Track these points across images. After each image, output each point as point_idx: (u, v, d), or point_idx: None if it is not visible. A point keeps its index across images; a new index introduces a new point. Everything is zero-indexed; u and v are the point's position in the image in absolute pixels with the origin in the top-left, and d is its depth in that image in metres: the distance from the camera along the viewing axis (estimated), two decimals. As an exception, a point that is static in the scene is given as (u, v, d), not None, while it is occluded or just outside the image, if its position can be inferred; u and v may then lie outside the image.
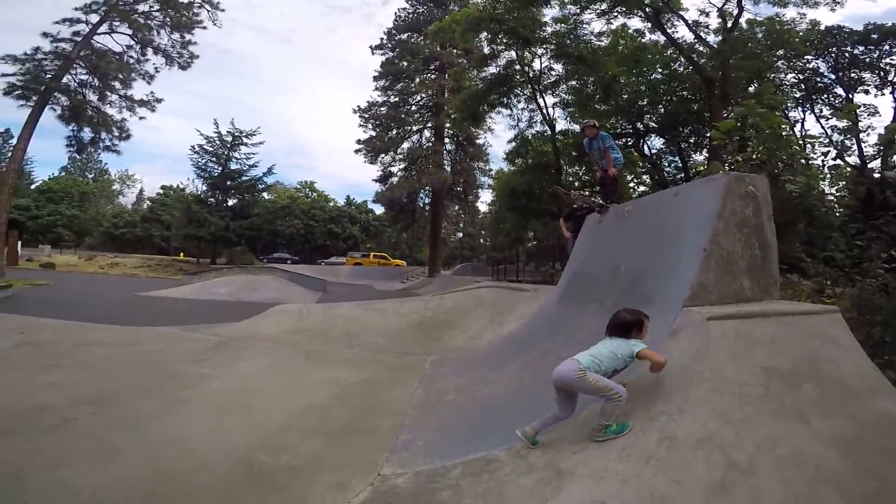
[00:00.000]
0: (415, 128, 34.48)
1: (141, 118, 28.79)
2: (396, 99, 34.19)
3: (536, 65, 21.07)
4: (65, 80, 25.62)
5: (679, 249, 3.49)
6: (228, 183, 40.18)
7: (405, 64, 33.20)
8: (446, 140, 34.70)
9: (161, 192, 53.21)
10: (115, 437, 3.34)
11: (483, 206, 43.99)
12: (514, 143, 24.70)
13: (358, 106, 34.28)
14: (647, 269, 3.87)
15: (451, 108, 23.58)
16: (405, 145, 34.29)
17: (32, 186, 47.37)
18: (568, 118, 22.67)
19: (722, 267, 3.18)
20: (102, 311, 10.69)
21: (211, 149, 39.87)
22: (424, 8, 34.16)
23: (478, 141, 34.70)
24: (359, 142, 33.81)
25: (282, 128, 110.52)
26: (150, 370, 5.48)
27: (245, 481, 2.85)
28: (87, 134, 27.45)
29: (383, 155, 34.00)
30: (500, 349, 5.44)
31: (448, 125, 32.54)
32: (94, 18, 25.81)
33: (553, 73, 21.37)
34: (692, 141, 22.50)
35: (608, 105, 21.17)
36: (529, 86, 21.22)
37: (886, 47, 23.88)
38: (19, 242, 28.87)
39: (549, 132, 21.95)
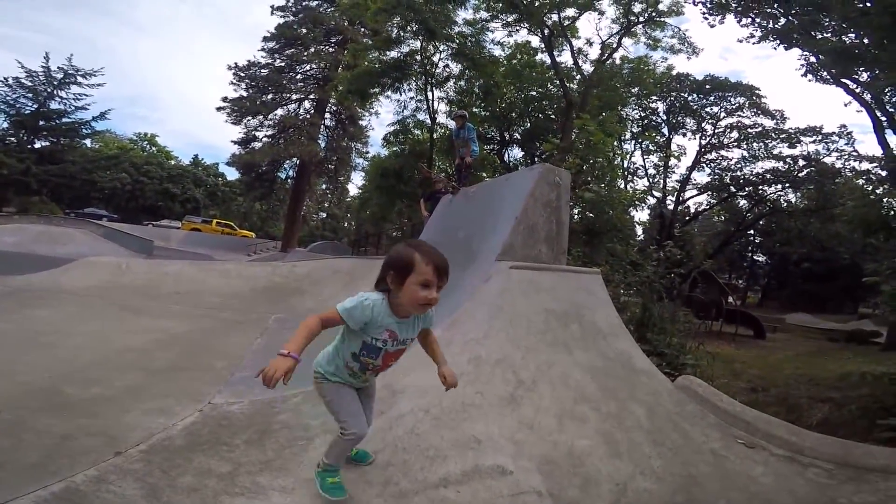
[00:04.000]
0: (294, 96, 32.47)
1: None
2: (283, 64, 31.93)
3: (436, 59, 21.93)
4: None
5: (500, 219, 4.31)
6: (41, 123, 32.85)
7: (304, 31, 31.12)
8: (327, 115, 33.49)
9: None
10: None
11: (353, 188, 43.30)
12: (395, 127, 25.23)
13: (235, 63, 31.32)
14: (477, 234, 4.66)
15: (341, 82, 22.91)
16: (279, 112, 32.09)
17: None
18: (447, 115, 24.01)
19: (527, 233, 4.03)
20: None
21: (29, 83, 33.03)
22: (339, -20, 32.30)
23: (361, 122, 34.16)
24: (225, 99, 30.88)
25: (135, 74, 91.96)
26: None
27: (44, 409, 2.60)
28: None
29: (250, 117, 31.34)
30: None
31: (332, 100, 31.50)
32: None
33: (448, 70, 22.44)
34: (544, 156, 25.66)
35: (486, 111, 23.04)
36: (423, 77, 21.89)
37: (712, 98, 30.10)
38: None
39: (430, 123, 22.98)
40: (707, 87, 29.59)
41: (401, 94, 23.46)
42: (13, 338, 3.93)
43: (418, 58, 21.44)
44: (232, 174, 45.37)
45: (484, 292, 3.39)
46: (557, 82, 22.24)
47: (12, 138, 32.72)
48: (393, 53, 21.70)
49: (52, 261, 9.83)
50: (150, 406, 2.77)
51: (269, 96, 31.73)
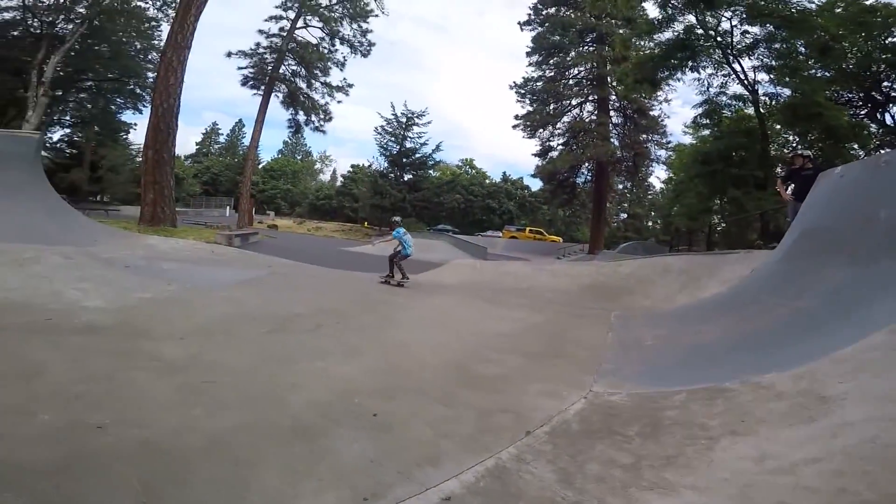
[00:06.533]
0: (574, 101, 33.20)
1: (338, 102, 34.31)
2: (552, 73, 33.31)
3: (725, 26, 18.15)
4: (281, 70, 31.35)
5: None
6: (404, 160, 45.22)
7: (557, 38, 31.93)
8: (612, 112, 32.55)
9: (351, 169, 62.02)
10: (354, 340, 4.10)
11: (657, 181, 40.07)
12: (702, 109, 21.85)
13: (514, 82, 34.32)
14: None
15: (621, 74, 21.81)
16: (565, 118, 33.39)
17: (260, 166, 59.41)
18: (774, 82, 19.12)
19: None
20: (316, 257, 13.08)
21: (390, 129, 45.48)
22: (570, -20, 32.08)
23: (651, 112, 31.64)
24: (517, 117, 34.05)
25: (442, 111, 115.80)
26: (364, 297, 6.64)
27: (462, 382, 3.21)
28: (301, 117, 33.46)
29: (542, 129, 33.66)
30: (702, 309, 5.09)
31: (613, 97, 30.62)
32: (292, 15, 31.03)
33: (748, 35, 18.11)
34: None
35: (828, 70, 17.24)
36: (718, 50, 18.43)
37: None
38: (254, 208, 36.63)
39: (749, 96, 18.90)
40: None
41: (699, 73, 20.04)
42: (428, 319, 5.29)
43: (700, 31, 17.87)
44: (535, 184, 49.79)
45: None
46: None
47: (391, 175, 45.75)
48: (667, 34, 18.94)
49: (430, 264, 13.21)
50: (541, 388, 3.10)
51: (552, 106, 33.18)
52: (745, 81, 18.88)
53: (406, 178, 45.46)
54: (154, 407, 2.36)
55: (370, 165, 48.58)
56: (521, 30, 33.88)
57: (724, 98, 20.62)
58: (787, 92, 18.43)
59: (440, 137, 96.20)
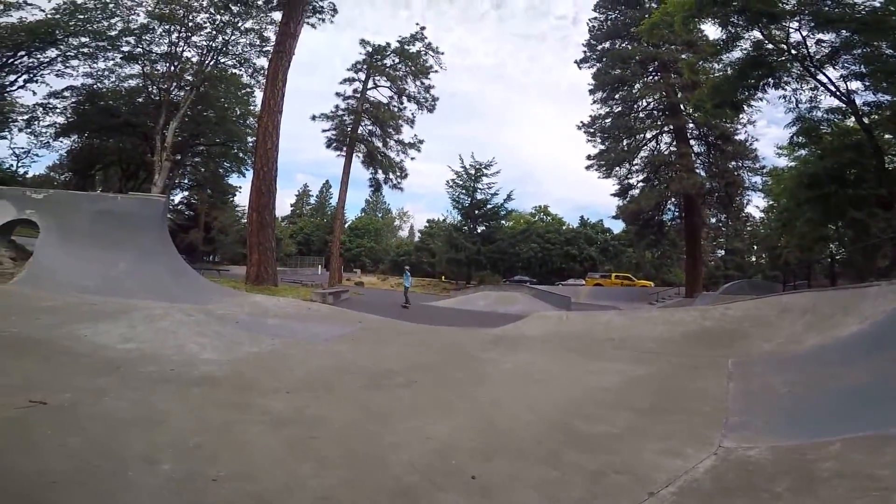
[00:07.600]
0: (649, 134, 31.46)
1: (412, 158, 35.62)
2: (620, 108, 32.06)
3: (796, 38, 16.79)
4: (359, 130, 33.46)
5: None
6: (476, 212, 45.44)
7: (618, 71, 30.96)
8: (692, 141, 30.40)
9: (427, 225, 64.11)
10: (447, 397, 4.02)
11: (756, 211, 36.38)
12: (796, 127, 19.89)
13: (581, 122, 33.22)
14: None
15: (697, 101, 20.49)
16: (642, 154, 31.62)
17: (346, 225, 63.67)
18: (872, 89, 17.03)
19: None
20: (400, 312, 13.44)
21: (461, 182, 46.11)
22: (617, 13, 31.57)
23: (737, 137, 29.00)
24: (589, 157, 32.77)
25: (510, 159, 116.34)
26: (451, 351, 6.59)
27: (565, 440, 2.95)
28: (380, 175, 35.27)
29: (618, 167, 32.00)
30: (842, 349, 4.37)
31: (691, 125, 28.69)
32: (363, 76, 33.43)
33: (824, 44, 16.56)
34: None
35: None
36: (796, 63, 17.01)
37: None
38: (342, 266, 39.04)
39: (847, 107, 16.99)
40: None
41: (783, 89, 18.30)
42: (520, 374, 5.05)
43: (770, 46, 16.64)
44: (616, 227, 47.43)
45: None
46: None
47: (465, 228, 45.63)
48: (736, 53, 17.80)
49: (508, 317, 12.92)
50: (659, 446, 2.75)
51: (625, 142, 31.56)
52: (838, 92, 17.00)
53: (479, 230, 45.43)
54: (265, 461, 2.44)
55: (444, 219, 49.43)
56: (580, 68, 33.55)
57: (819, 113, 18.64)
58: (889, 98, 16.44)
59: (511, 186, 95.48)
